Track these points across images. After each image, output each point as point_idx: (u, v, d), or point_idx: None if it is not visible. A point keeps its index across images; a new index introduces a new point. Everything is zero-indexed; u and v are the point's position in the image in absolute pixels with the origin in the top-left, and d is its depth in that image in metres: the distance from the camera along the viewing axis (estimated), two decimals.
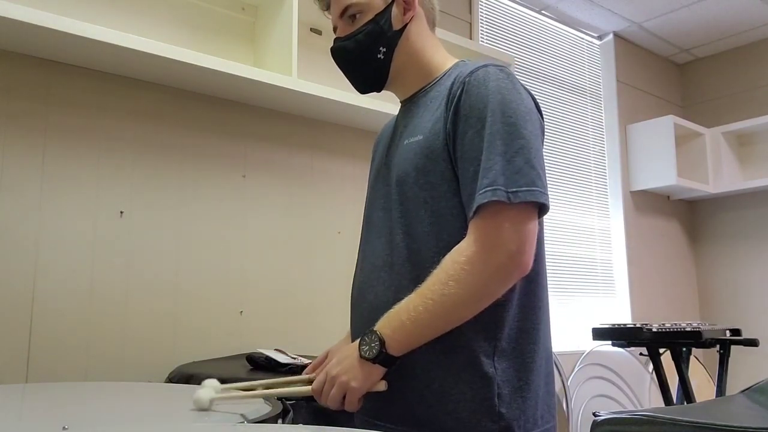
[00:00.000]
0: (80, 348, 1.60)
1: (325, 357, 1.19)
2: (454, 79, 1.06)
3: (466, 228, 0.98)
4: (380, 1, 1.12)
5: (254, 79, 1.78)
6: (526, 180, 0.95)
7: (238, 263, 1.92)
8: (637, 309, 3.41)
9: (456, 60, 1.16)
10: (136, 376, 1.68)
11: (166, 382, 1.60)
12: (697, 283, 3.83)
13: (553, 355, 1.14)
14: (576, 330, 3.13)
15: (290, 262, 2.05)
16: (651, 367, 2.89)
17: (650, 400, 3.19)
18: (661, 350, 2.42)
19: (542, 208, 0.98)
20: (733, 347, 2.55)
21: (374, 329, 0.97)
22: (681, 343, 2.34)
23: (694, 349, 2.96)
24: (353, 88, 1.20)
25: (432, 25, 1.20)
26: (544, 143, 1.10)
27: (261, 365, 1.53)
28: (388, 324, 0.97)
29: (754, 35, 3.63)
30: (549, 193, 0.99)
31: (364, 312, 1.09)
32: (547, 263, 1.11)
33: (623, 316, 3.38)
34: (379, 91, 1.19)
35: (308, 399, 1.15)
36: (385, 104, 2.08)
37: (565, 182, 3.28)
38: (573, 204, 3.29)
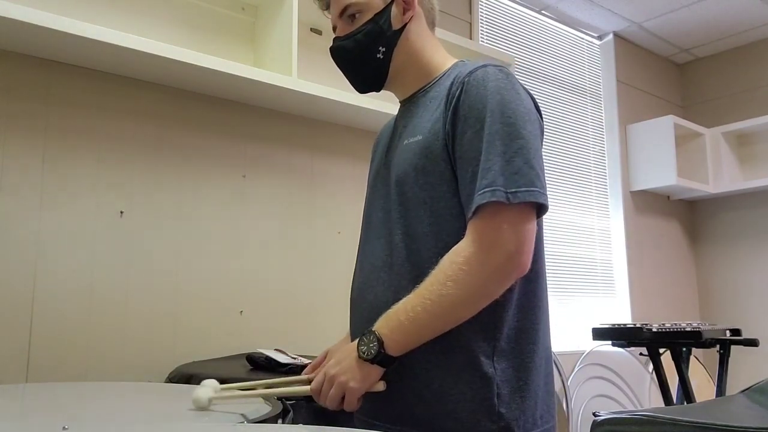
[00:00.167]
0: (80, 348, 1.60)
1: (325, 357, 1.19)
2: (454, 79, 1.05)
3: (465, 228, 0.98)
4: (380, 1, 1.12)
5: (254, 79, 1.78)
6: (525, 180, 0.95)
7: (238, 263, 1.92)
8: (637, 309, 3.41)
9: (455, 60, 1.16)
10: (136, 376, 1.68)
11: (166, 382, 1.60)
12: (697, 283, 3.83)
13: (553, 355, 1.14)
14: (576, 330, 3.13)
15: (290, 262, 2.05)
16: (651, 367, 2.89)
17: (650, 400, 3.19)
18: (661, 350, 2.42)
19: (541, 209, 0.98)
20: (733, 347, 2.55)
21: (373, 329, 0.97)
22: (681, 343, 2.34)
23: (694, 349, 2.96)
24: (353, 87, 1.20)
25: (432, 25, 1.20)
26: (544, 143, 1.10)
27: (261, 365, 1.53)
28: (386, 324, 0.97)
29: (754, 35, 3.63)
30: (548, 193, 0.99)
31: (364, 312, 1.09)
32: (546, 263, 1.11)
33: (623, 316, 3.38)
34: (378, 90, 1.19)
35: (308, 399, 1.15)
36: (385, 104, 2.08)
37: (565, 182, 3.27)
38: (573, 204, 3.29)
